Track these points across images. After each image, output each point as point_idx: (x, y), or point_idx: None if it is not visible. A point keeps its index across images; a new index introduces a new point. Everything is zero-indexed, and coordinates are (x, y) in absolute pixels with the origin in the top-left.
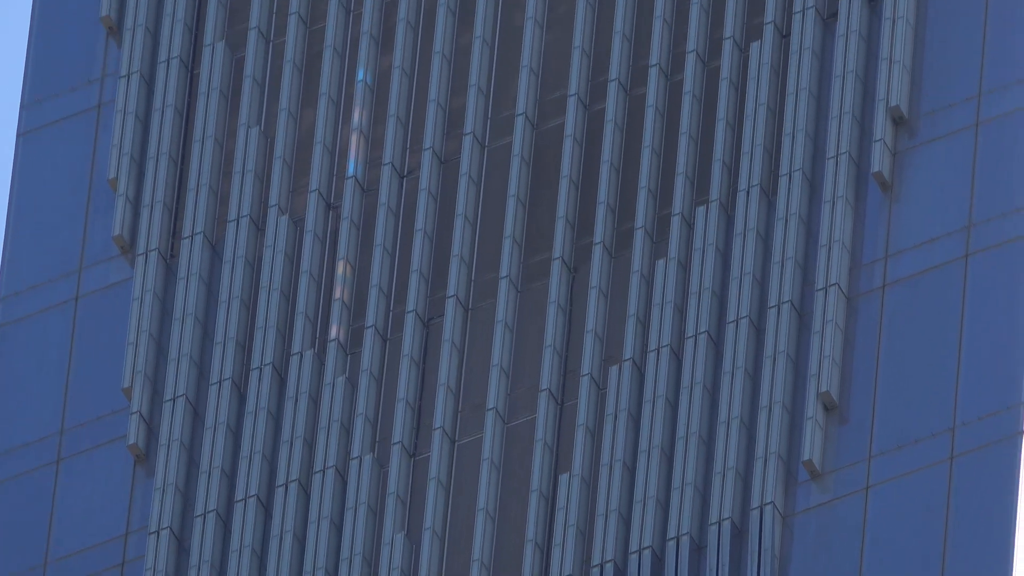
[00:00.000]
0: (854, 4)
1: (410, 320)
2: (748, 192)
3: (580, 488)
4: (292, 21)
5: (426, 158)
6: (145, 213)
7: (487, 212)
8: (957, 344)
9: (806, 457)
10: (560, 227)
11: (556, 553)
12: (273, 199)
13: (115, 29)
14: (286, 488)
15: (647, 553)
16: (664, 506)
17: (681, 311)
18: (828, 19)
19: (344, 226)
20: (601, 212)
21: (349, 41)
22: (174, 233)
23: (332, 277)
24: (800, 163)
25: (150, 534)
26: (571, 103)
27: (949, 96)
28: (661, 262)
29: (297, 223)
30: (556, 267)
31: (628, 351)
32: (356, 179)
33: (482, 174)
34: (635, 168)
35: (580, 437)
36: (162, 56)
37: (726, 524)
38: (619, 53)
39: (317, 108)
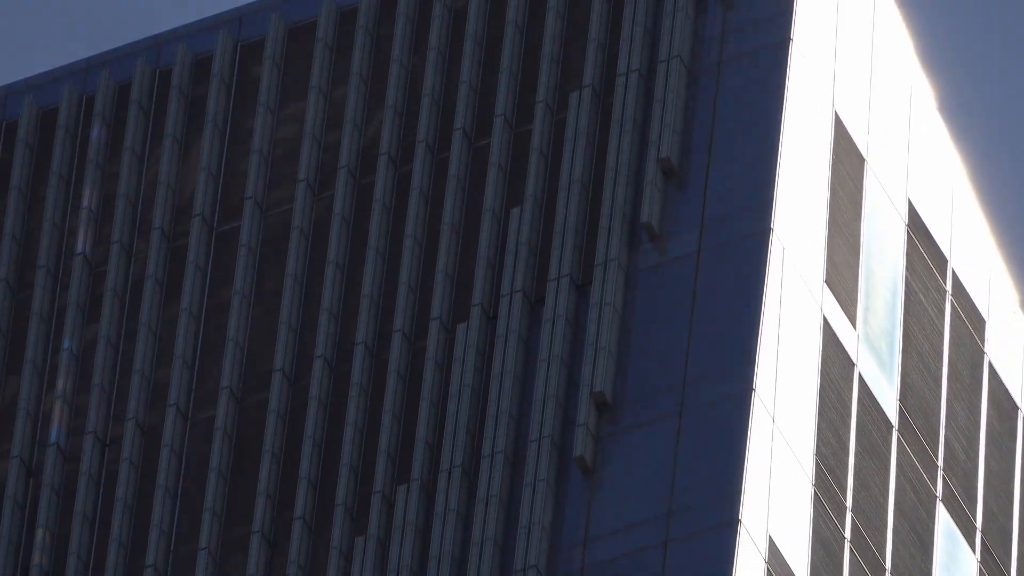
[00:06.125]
0: (561, 289)
1: None
2: (450, 472)
3: None
4: None
5: (129, 428)
6: None
7: (188, 484)
8: None
9: None
10: (261, 503)
11: None
12: None
13: None
14: None
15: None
16: None
17: None
18: (535, 303)
19: (44, 494)
20: (303, 488)
21: (56, 309)
22: None
23: (31, 544)
24: (502, 445)
25: None
26: (275, 378)
27: (653, 383)
28: (360, 539)
29: None
30: (255, 541)
31: None
32: (58, 446)
33: (184, 446)
34: (337, 445)
35: None
36: None
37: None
38: (325, 330)
39: (21, 376)
